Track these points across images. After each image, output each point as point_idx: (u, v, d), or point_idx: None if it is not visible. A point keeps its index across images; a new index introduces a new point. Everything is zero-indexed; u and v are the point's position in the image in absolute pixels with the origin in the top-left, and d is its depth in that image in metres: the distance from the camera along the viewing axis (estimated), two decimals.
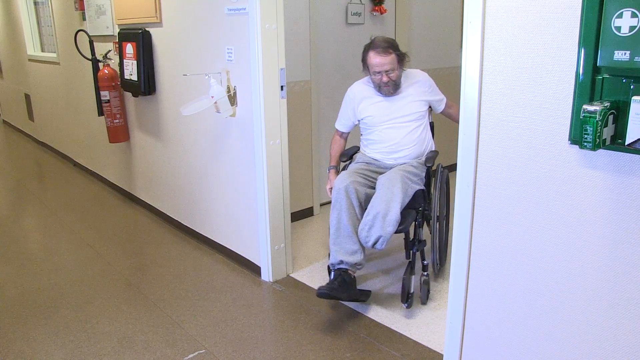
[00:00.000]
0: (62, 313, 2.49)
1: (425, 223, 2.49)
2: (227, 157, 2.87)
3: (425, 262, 2.50)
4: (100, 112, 3.78)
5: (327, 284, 2.28)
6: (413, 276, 2.39)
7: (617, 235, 1.35)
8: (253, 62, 2.48)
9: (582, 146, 1.27)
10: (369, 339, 2.23)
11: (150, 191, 3.83)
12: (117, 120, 3.75)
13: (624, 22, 1.19)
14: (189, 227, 3.40)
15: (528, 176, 1.51)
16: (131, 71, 3.38)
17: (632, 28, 1.18)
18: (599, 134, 1.23)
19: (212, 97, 2.62)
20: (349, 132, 2.74)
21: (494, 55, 1.52)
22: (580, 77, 1.33)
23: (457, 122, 1.69)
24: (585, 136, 1.24)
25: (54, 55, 5.06)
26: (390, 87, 2.44)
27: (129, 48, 3.35)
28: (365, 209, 2.29)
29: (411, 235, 2.46)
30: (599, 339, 1.44)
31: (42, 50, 5.84)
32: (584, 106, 1.24)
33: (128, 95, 3.69)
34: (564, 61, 1.36)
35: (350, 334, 2.26)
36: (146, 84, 3.33)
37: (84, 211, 4.00)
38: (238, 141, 2.75)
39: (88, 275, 2.89)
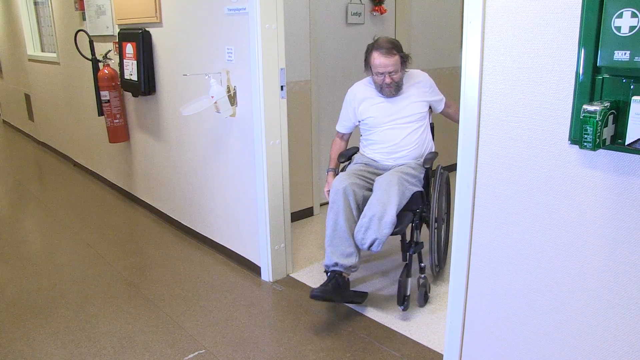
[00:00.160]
0: (62, 313, 2.50)
1: (425, 225, 2.49)
2: (227, 157, 2.87)
3: (422, 264, 2.49)
4: (100, 112, 3.78)
5: (321, 286, 2.28)
6: (410, 278, 2.38)
7: (617, 235, 1.35)
8: (253, 62, 2.48)
9: (582, 146, 1.27)
10: (368, 339, 2.23)
11: (150, 191, 3.83)
12: (117, 120, 3.75)
13: (624, 22, 1.19)
14: (189, 227, 3.40)
15: (528, 176, 1.51)
16: (131, 71, 3.38)
17: (632, 28, 1.18)
18: (599, 134, 1.23)
19: (212, 97, 2.62)
20: (350, 134, 2.72)
21: (494, 55, 1.52)
22: (580, 77, 1.33)
23: (456, 121, 1.69)
24: (585, 136, 1.24)
25: (54, 55, 5.06)
26: (392, 89, 2.43)
27: (129, 48, 3.35)
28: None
29: (408, 237, 2.45)
30: (599, 339, 1.44)
31: (42, 50, 5.84)
32: (584, 106, 1.24)
33: (128, 95, 3.69)
34: (564, 61, 1.36)
35: (350, 334, 2.26)
36: (146, 84, 3.33)
37: (84, 211, 4.00)
38: (238, 141, 2.75)
39: (88, 275, 2.89)
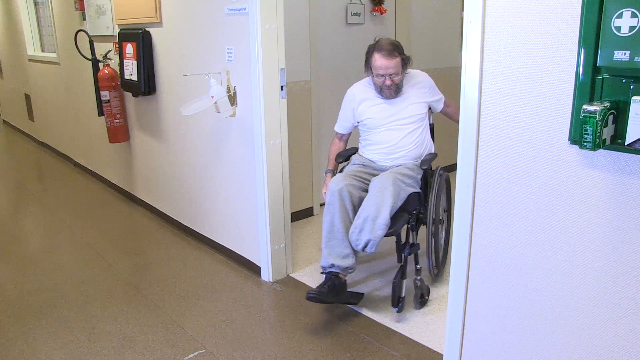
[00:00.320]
0: (62, 313, 2.50)
1: (424, 226, 2.48)
2: (227, 157, 2.87)
3: (418, 266, 2.48)
4: (100, 112, 3.78)
5: (317, 287, 2.27)
6: (405, 280, 2.37)
7: (616, 235, 1.35)
8: (253, 62, 2.48)
9: (582, 146, 1.27)
10: (369, 338, 2.23)
11: (150, 191, 3.83)
12: (117, 120, 3.76)
13: (624, 22, 1.19)
14: (189, 227, 3.40)
15: (528, 176, 1.51)
16: (131, 71, 3.38)
17: (632, 28, 1.18)
18: (599, 134, 1.23)
19: (212, 97, 2.62)
20: (349, 134, 2.72)
21: (494, 55, 1.52)
22: (580, 77, 1.33)
23: (455, 120, 1.69)
24: (585, 136, 1.25)
25: (54, 55, 5.06)
26: (392, 91, 2.42)
27: (129, 48, 3.35)
28: None
29: (403, 239, 2.44)
30: (599, 339, 1.44)
31: (42, 50, 5.84)
32: (584, 106, 1.25)
33: (128, 95, 3.69)
34: (564, 61, 1.36)
35: (350, 334, 2.26)
36: (146, 84, 3.33)
37: (84, 211, 4.00)
38: (238, 141, 2.75)
39: (88, 275, 2.89)
